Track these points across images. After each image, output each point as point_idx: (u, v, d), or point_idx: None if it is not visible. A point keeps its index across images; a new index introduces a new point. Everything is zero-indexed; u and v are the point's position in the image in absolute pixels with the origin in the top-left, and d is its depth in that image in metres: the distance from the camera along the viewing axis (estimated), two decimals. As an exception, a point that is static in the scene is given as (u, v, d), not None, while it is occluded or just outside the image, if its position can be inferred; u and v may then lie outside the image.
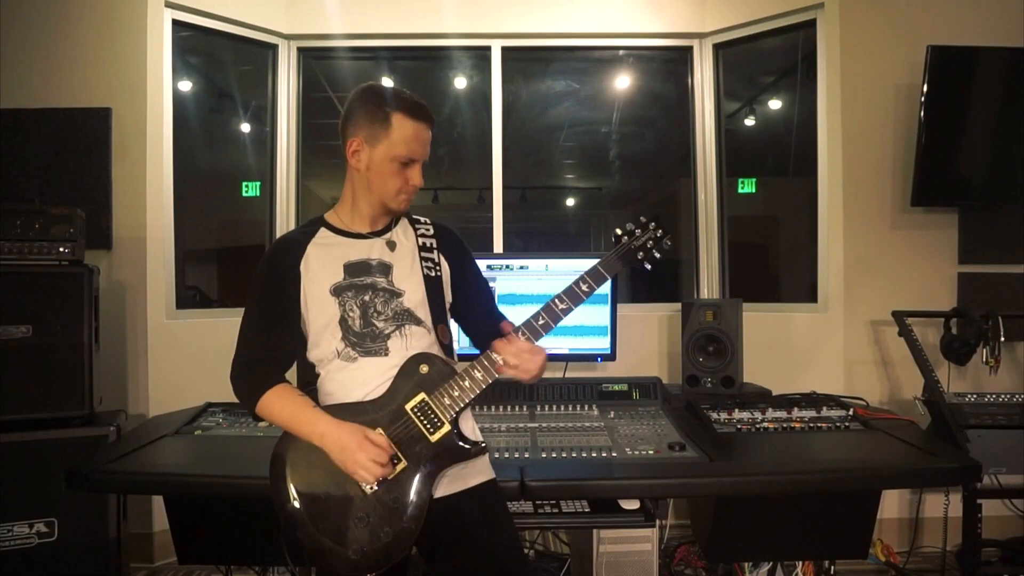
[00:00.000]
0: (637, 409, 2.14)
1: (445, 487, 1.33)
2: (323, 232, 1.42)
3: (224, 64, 3.16)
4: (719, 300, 2.78)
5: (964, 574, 2.26)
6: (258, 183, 3.19)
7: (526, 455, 1.73)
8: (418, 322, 1.38)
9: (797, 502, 1.89)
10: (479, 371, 1.31)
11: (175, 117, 2.87)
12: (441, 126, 3.77)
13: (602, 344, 2.43)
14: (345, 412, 1.30)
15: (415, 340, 1.37)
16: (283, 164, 3.19)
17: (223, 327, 2.90)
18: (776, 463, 1.69)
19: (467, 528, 1.33)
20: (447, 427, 1.30)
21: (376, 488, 1.27)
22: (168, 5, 2.80)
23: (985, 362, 2.35)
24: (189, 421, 2.00)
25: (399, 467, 1.28)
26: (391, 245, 1.42)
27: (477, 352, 1.38)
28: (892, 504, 2.74)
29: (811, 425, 1.96)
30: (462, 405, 1.31)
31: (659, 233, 1.38)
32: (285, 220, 3.18)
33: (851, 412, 2.02)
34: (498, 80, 3.20)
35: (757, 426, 1.96)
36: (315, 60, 3.29)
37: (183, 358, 2.77)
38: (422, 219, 1.52)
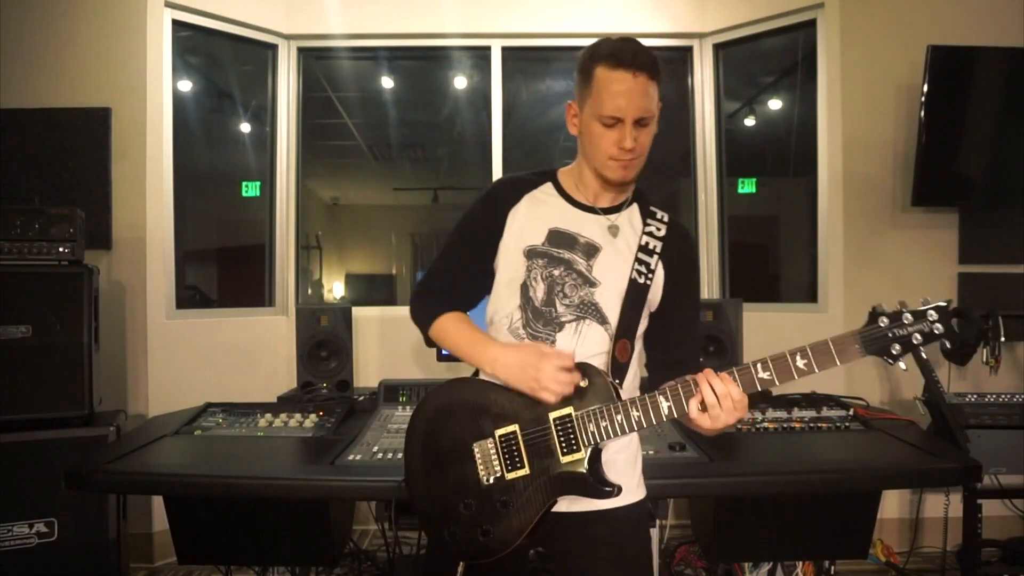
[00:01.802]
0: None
1: (571, 503, 1.21)
2: (547, 187, 1.29)
3: (224, 64, 3.16)
4: (719, 300, 2.78)
5: (964, 574, 2.26)
6: (258, 183, 3.19)
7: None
8: (603, 321, 1.22)
9: (797, 502, 1.88)
10: (638, 410, 1.12)
11: (175, 117, 2.87)
12: (441, 126, 3.78)
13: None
14: (493, 392, 1.21)
15: (590, 340, 1.22)
16: (283, 164, 3.19)
17: (223, 327, 2.91)
18: (776, 463, 1.69)
19: (590, 552, 1.22)
20: (582, 454, 1.14)
21: (492, 481, 1.17)
22: (168, 5, 2.80)
23: (985, 362, 2.35)
24: (189, 421, 1.99)
25: (519, 472, 1.17)
26: (613, 230, 1.26)
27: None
28: (892, 504, 2.74)
29: (811, 425, 1.95)
30: (605, 438, 1.14)
31: (939, 329, 1.05)
32: (285, 220, 3.18)
33: (851, 412, 2.02)
34: (498, 80, 3.20)
35: (757, 426, 1.95)
36: (315, 60, 3.29)
37: (183, 358, 2.77)
38: (659, 213, 1.32)
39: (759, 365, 1.09)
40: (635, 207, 1.32)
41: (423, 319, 1.31)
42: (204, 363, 2.80)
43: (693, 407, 1.10)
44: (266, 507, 1.79)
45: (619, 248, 1.25)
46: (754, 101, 3.31)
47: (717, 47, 3.16)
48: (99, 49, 2.70)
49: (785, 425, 1.96)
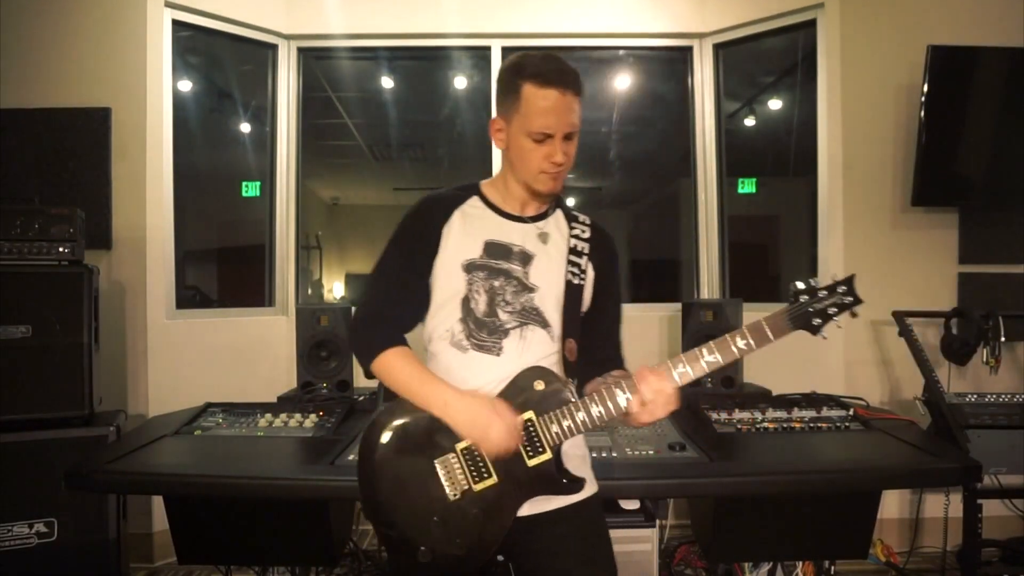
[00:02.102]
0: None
1: (535, 505, 1.23)
2: (474, 200, 1.31)
3: (224, 64, 3.16)
4: (719, 300, 2.78)
5: (964, 574, 2.25)
6: (258, 183, 3.19)
7: (526, 455, 1.73)
8: (544, 325, 1.26)
9: (797, 502, 1.88)
10: (598, 407, 1.17)
11: (175, 117, 2.87)
12: (441, 126, 3.78)
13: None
14: None
15: (535, 345, 1.25)
16: (283, 164, 3.19)
17: (223, 327, 2.91)
18: (776, 463, 1.69)
19: (554, 550, 1.24)
20: (547, 455, 1.17)
21: (459, 495, 1.18)
22: (168, 5, 2.80)
23: (985, 362, 2.35)
24: (189, 421, 1.99)
25: (488, 482, 1.18)
26: (543, 237, 1.30)
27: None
28: (892, 504, 2.74)
29: (811, 425, 1.95)
30: (567, 436, 1.18)
31: (849, 299, 1.16)
32: (285, 220, 3.18)
33: (851, 412, 2.02)
34: (498, 80, 3.20)
35: (757, 426, 1.95)
36: (315, 60, 3.29)
37: (183, 358, 2.77)
38: (581, 217, 1.37)
39: (704, 350, 1.17)
40: (559, 213, 1.36)
41: (366, 353, 1.26)
42: (204, 363, 2.80)
43: (636, 402, 1.15)
44: (266, 507, 1.79)
45: (551, 253, 1.30)
46: (754, 101, 3.31)
47: (717, 47, 3.16)
48: (99, 49, 2.71)
49: (785, 425, 1.96)
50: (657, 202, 3.77)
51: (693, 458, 1.70)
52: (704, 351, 1.17)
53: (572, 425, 1.17)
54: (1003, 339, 2.32)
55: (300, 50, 3.21)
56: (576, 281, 1.29)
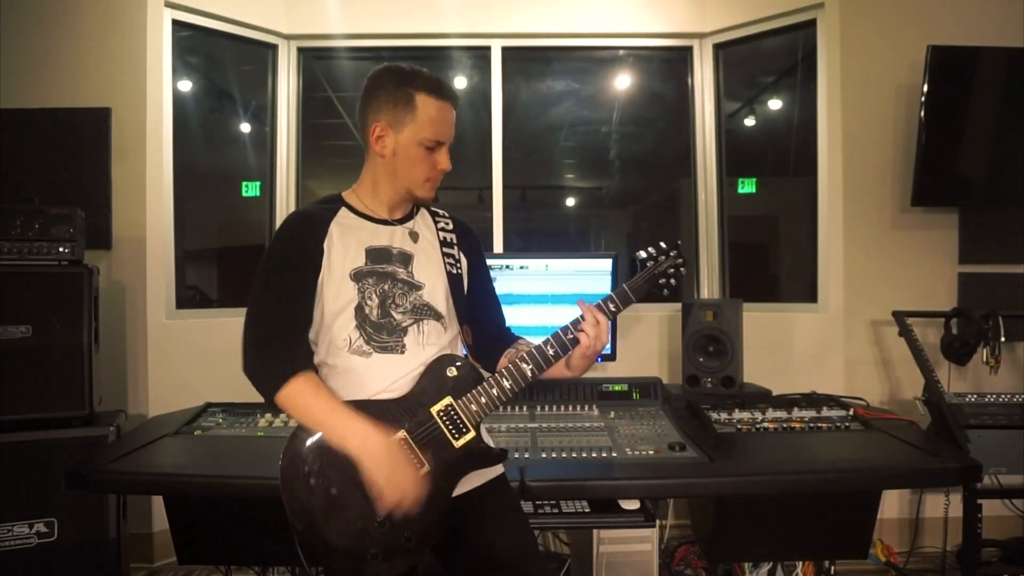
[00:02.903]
0: (637, 409, 2.14)
1: (462, 485, 1.31)
2: (344, 212, 1.35)
3: (224, 64, 3.16)
4: (719, 300, 2.79)
5: (964, 574, 2.25)
6: (258, 183, 3.19)
7: (526, 455, 1.73)
8: (437, 317, 1.34)
9: (797, 502, 1.89)
10: (507, 380, 1.27)
11: (175, 117, 2.87)
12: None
13: (602, 344, 2.42)
14: (370, 408, 1.22)
15: (433, 337, 1.33)
16: (283, 164, 3.19)
17: (223, 327, 2.90)
18: (776, 463, 1.69)
19: (478, 524, 1.32)
20: (472, 433, 1.26)
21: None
22: (168, 5, 2.80)
23: (985, 362, 2.35)
24: (189, 421, 1.99)
25: (423, 471, 1.22)
26: (414, 236, 1.37)
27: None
28: (892, 504, 2.74)
29: (811, 425, 1.96)
30: (487, 413, 1.27)
31: (679, 261, 1.36)
32: (285, 220, 3.18)
33: (851, 412, 2.02)
34: (498, 80, 3.20)
35: (757, 426, 1.96)
36: (315, 60, 3.29)
37: (183, 358, 2.77)
38: (441, 212, 1.47)
39: (573, 325, 1.28)
40: (423, 212, 1.44)
41: (269, 384, 1.22)
42: (204, 363, 2.80)
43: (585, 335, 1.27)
44: (266, 507, 1.78)
45: (426, 250, 1.38)
46: (754, 101, 3.31)
47: (717, 47, 3.16)
48: (99, 49, 2.70)
49: (785, 425, 1.96)
50: (657, 202, 3.76)
51: (693, 458, 1.70)
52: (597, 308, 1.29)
53: (488, 401, 1.27)
54: (1003, 339, 2.32)
55: (300, 50, 3.21)
56: (454, 271, 1.39)
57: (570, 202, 3.79)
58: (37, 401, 2.14)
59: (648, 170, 3.65)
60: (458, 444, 1.26)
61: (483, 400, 1.27)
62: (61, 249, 2.24)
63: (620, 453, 1.74)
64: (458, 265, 1.40)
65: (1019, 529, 2.62)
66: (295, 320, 1.28)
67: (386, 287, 1.31)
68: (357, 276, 1.29)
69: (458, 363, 1.30)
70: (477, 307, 1.45)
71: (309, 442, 1.22)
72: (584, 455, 1.73)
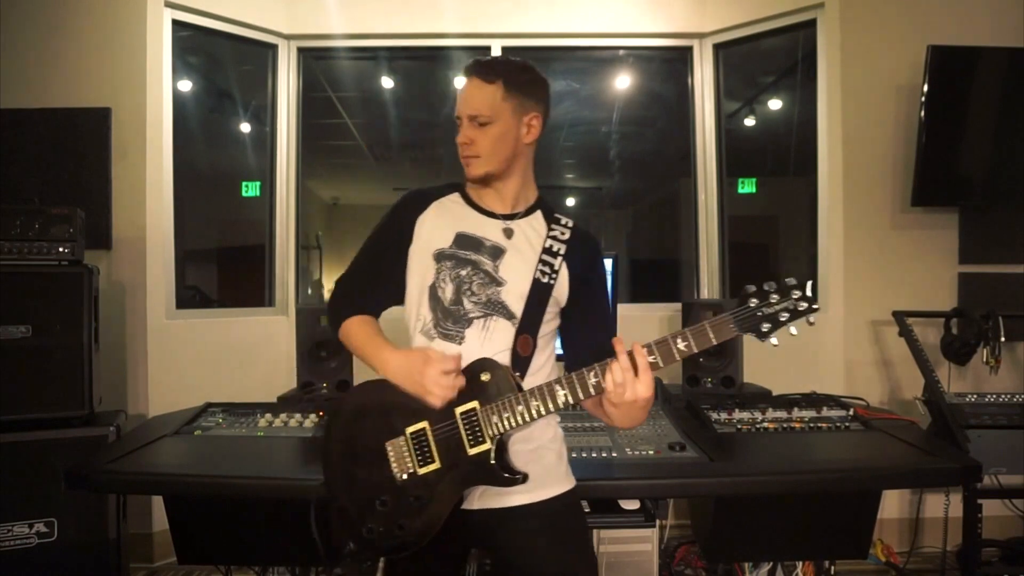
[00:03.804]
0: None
1: (505, 499, 1.25)
2: (455, 195, 1.39)
3: (224, 64, 3.16)
4: (719, 300, 2.79)
5: (964, 574, 2.25)
6: (258, 183, 3.19)
7: (526, 455, 1.73)
8: (509, 317, 1.28)
9: (797, 502, 1.88)
10: (537, 399, 1.18)
11: (175, 117, 2.87)
12: (441, 126, 3.78)
13: (602, 344, 2.42)
14: (403, 391, 1.25)
15: (497, 336, 1.27)
16: (283, 164, 3.19)
17: (223, 327, 2.91)
18: (776, 463, 1.69)
19: (528, 544, 1.26)
20: (487, 445, 1.19)
21: (406, 477, 1.23)
22: (168, 5, 2.80)
23: (985, 362, 2.34)
24: (189, 421, 1.99)
25: (431, 467, 1.22)
26: (507, 232, 1.34)
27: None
28: (892, 504, 2.74)
29: (811, 425, 1.95)
30: (508, 428, 1.19)
31: (803, 306, 1.10)
32: (285, 220, 3.18)
33: (851, 412, 2.02)
34: (498, 80, 3.20)
35: (757, 426, 1.95)
36: (315, 60, 3.29)
37: (183, 358, 2.77)
38: (564, 220, 1.39)
39: (645, 349, 1.13)
40: (538, 213, 1.40)
41: (334, 320, 1.38)
42: (204, 363, 2.80)
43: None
44: (266, 507, 1.79)
45: (522, 250, 1.33)
46: (754, 101, 3.31)
47: (717, 47, 3.16)
48: (99, 49, 2.71)
49: (785, 425, 1.96)
50: (657, 202, 3.77)
51: (693, 458, 1.70)
52: (644, 351, 1.14)
53: (512, 416, 1.19)
54: (1003, 339, 2.32)
55: (300, 50, 3.21)
56: (545, 280, 1.30)
57: (570, 202, 3.79)
58: (37, 401, 2.14)
59: (648, 170, 3.66)
60: (471, 452, 1.20)
61: (506, 414, 1.19)
62: (61, 249, 2.24)
63: (620, 453, 1.74)
64: (553, 275, 1.31)
65: (1019, 529, 2.62)
66: (369, 281, 1.38)
67: (464, 273, 1.29)
68: (439, 256, 1.31)
69: (494, 370, 1.22)
70: (573, 327, 1.37)
71: (347, 409, 1.31)
72: (584, 455, 1.73)
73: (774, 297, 1.11)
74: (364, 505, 1.24)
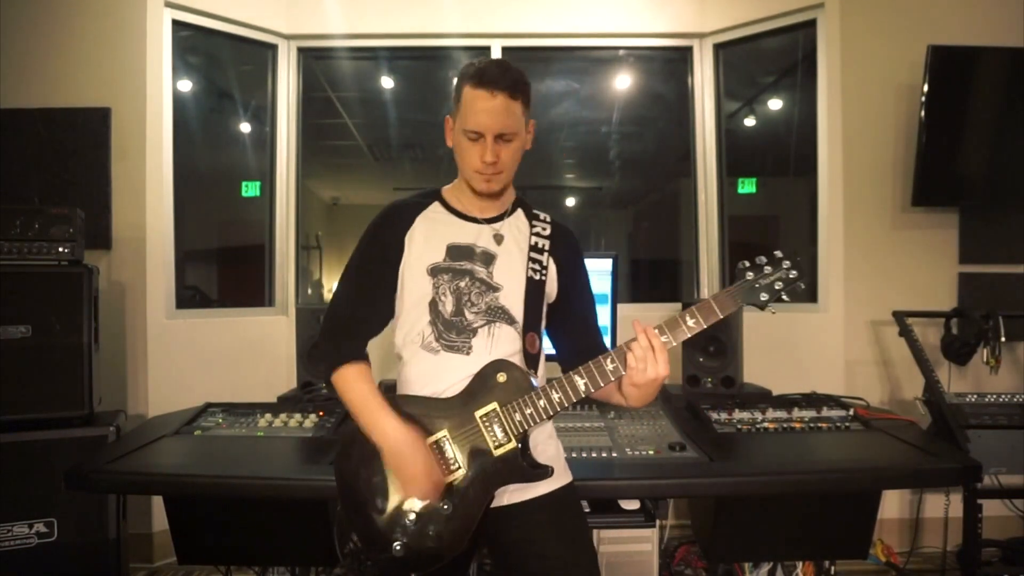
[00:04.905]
0: (637, 409, 2.13)
1: (511, 496, 1.28)
2: (436, 206, 1.37)
3: (224, 64, 3.16)
4: (719, 300, 2.78)
5: (964, 574, 2.25)
6: (258, 183, 3.19)
7: (526, 455, 1.73)
8: (511, 322, 1.31)
9: (797, 502, 1.89)
10: (557, 392, 1.21)
11: (175, 117, 2.87)
12: (441, 126, 3.77)
13: (602, 344, 2.42)
14: (417, 405, 1.26)
15: (503, 341, 1.29)
16: (283, 164, 3.19)
17: (223, 327, 2.91)
18: (776, 463, 1.69)
19: (534, 537, 1.27)
20: (512, 444, 1.22)
21: None
22: (168, 5, 2.80)
23: (986, 362, 2.35)
24: (189, 421, 1.99)
25: (457, 474, 1.23)
26: (498, 238, 1.35)
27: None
28: (892, 504, 2.74)
29: (811, 425, 1.95)
30: (532, 424, 1.22)
31: (792, 274, 1.22)
32: (285, 220, 3.18)
33: (851, 412, 2.02)
34: (498, 80, 3.20)
35: (757, 426, 1.95)
36: (315, 60, 3.29)
37: (183, 358, 2.77)
38: (543, 215, 1.43)
39: (657, 331, 1.19)
40: (519, 212, 1.42)
41: (329, 364, 1.29)
42: (204, 363, 2.80)
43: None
44: (266, 507, 1.79)
45: (511, 252, 1.35)
46: (754, 101, 3.31)
47: (717, 47, 3.16)
48: (99, 49, 2.70)
49: (785, 425, 1.96)
50: (657, 202, 3.76)
51: (693, 458, 1.70)
52: (657, 331, 1.19)
53: (534, 412, 1.21)
54: (1003, 339, 2.32)
55: (300, 50, 3.21)
56: (537, 277, 1.34)
57: (570, 202, 3.79)
58: (37, 401, 2.14)
59: (648, 170, 3.66)
60: (496, 453, 1.22)
61: (528, 411, 1.21)
62: (61, 249, 2.24)
63: (620, 453, 1.74)
64: (543, 272, 1.35)
65: (1019, 529, 2.62)
66: (366, 307, 1.33)
67: (462, 284, 1.30)
68: (434, 271, 1.30)
69: (510, 370, 1.25)
70: (564, 315, 1.41)
71: (358, 432, 1.27)
72: (584, 455, 1.73)
73: (767, 269, 1.22)
74: (394, 523, 1.22)
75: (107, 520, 2.17)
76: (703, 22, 3.12)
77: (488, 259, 1.33)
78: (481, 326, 1.29)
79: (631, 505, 1.72)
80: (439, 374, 1.28)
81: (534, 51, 3.27)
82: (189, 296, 3.02)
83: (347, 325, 1.32)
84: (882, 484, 1.86)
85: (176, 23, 2.86)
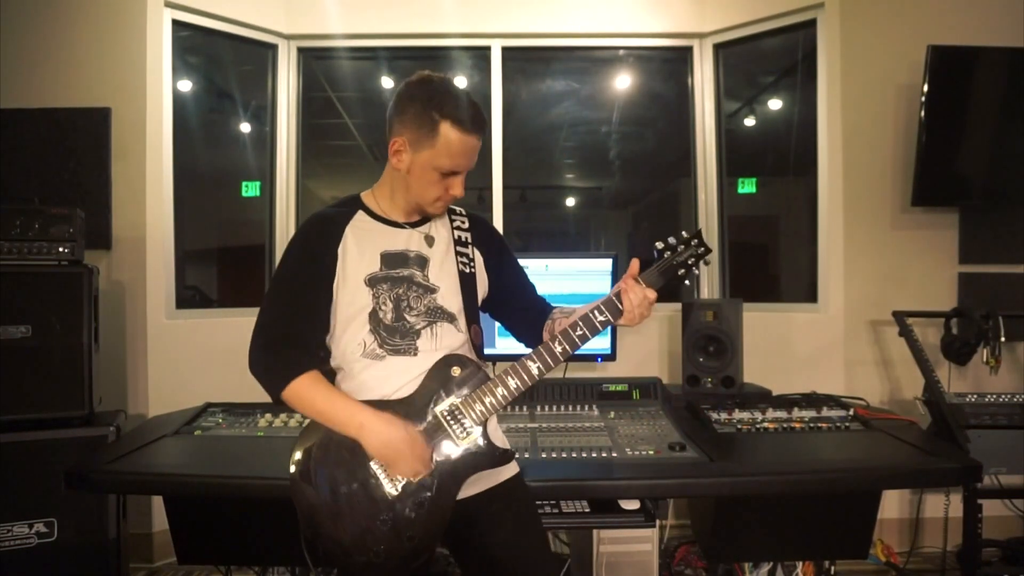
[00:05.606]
0: (637, 409, 2.14)
1: (468, 489, 1.29)
2: (361, 215, 1.35)
3: (224, 64, 3.16)
4: (719, 300, 2.78)
5: (964, 574, 2.25)
6: (258, 183, 3.19)
7: (526, 455, 1.73)
8: (451, 319, 1.34)
9: (797, 502, 1.89)
10: (513, 379, 1.26)
11: (175, 117, 2.87)
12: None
13: (602, 344, 2.43)
14: (374, 407, 1.25)
15: (446, 339, 1.32)
16: (283, 164, 3.19)
17: (223, 327, 2.90)
18: (776, 463, 1.69)
19: (489, 526, 1.32)
20: (476, 433, 1.26)
21: (400, 490, 1.22)
22: (168, 5, 2.80)
23: (985, 362, 2.35)
24: (189, 421, 1.99)
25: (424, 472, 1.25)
26: (429, 240, 1.37)
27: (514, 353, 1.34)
28: (892, 504, 2.74)
29: (811, 425, 1.95)
30: (492, 413, 1.27)
31: (701, 250, 1.31)
32: (285, 220, 3.18)
33: (851, 412, 2.02)
34: (498, 80, 3.20)
35: (757, 426, 1.95)
36: (315, 60, 3.29)
37: (183, 358, 2.77)
38: (458, 210, 1.46)
39: (595, 311, 1.27)
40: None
41: (275, 384, 1.24)
42: (204, 363, 2.80)
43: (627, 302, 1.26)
44: (266, 507, 1.79)
45: (442, 251, 1.38)
46: (754, 101, 3.30)
47: (717, 47, 3.16)
48: (99, 49, 2.70)
49: (785, 425, 1.96)
50: (657, 202, 3.76)
51: (693, 458, 1.70)
52: (596, 312, 1.27)
53: (493, 401, 1.26)
54: (1003, 339, 2.32)
55: (300, 50, 3.21)
56: (468, 270, 1.38)
57: (570, 202, 3.79)
58: (37, 401, 2.14)
59: (648, 170, 3.65)
60: (462, 443, 1.25)
61: (488, 399, 1.26)
62: (61, 249, 2.24)
63: (620, 453, 1.74)
64: (471, 264, 1.39)
65: (1019, 529, 2.62)
66: (302, 328, 1.29)
67: (400, 291, 1.31)
68: (372, 281, 1.30)
69: (463, 363, 1.29)
70: (507, 296, 1.46)
71: (311, 445, 1.26)
72: (584, 455, 1.73)
73: (680, 247, 1.31)
74: (365, 528, 1.21)
75: (107, 520, 2.17)
76: (703, 22, 3.12)
77: (422, 263, 1.35)
78: (424, 327, 1.31)
79: (631, 505, 1.71)
80: (387, 378, 1.28)
81: (534, 51, 3.27)
82: (189, 296, 3.02)
83: (291, 339, 1.27)
84: (882, 484, 1.86)
85: (176, 23, 2.86)
